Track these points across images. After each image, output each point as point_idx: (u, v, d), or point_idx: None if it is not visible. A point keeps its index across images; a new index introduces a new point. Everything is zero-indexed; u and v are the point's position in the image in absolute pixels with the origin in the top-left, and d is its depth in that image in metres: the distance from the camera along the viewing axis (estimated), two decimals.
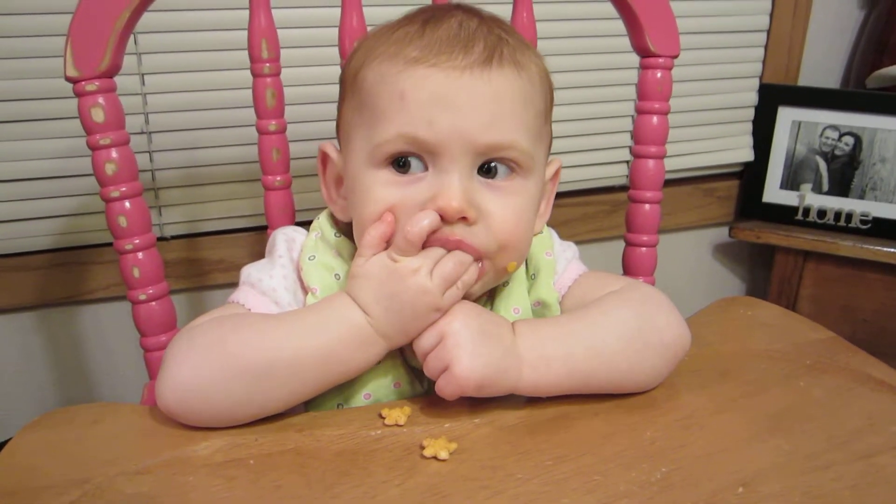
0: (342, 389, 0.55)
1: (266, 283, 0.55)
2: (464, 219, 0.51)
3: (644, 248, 0.76)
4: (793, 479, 0.47)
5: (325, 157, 0.59)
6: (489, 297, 0.59)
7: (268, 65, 0.66)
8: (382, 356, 0.52)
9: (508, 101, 0.51)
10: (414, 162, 0.51)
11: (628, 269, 0.77)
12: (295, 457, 0.48)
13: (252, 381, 0.48)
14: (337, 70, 0.61)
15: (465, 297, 0.53)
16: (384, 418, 0.51)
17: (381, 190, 0.52)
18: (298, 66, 0.94)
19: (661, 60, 0.72)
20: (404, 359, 0.56)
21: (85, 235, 0.96)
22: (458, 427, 0.51)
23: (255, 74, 0.66)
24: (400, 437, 0.50)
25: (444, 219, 0.50)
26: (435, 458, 0.47)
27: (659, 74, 0.72)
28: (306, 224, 0.61)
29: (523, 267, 0.60)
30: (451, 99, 0.50)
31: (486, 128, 0.50)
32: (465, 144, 0.50)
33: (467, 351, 0.49)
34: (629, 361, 0.53)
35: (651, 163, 0.74)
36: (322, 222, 0.59)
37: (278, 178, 0.68)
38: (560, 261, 0.61)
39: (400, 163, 0.52)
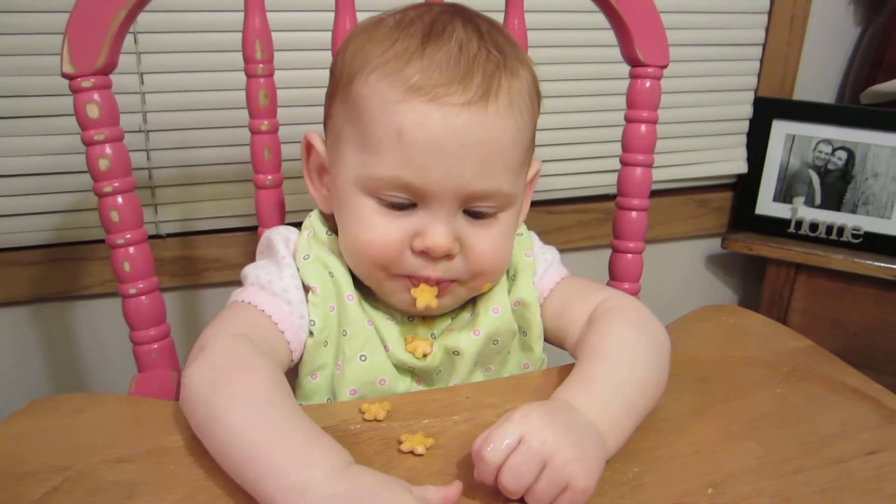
0: (330, 386, 0.57)
1: (277, 285, 0.56)
2: (447, 256, 0.54)
3: (630, 255, 0.77)
4: (763, 482, 0.48)
5: (309, 146, 0.60)
6: (471, 299, 0.60)
7: (261, 66, 0.67)
8: None
9: (499, 148, 0.53)
10: (405, 202, 0.54)
11: (615, 276, 0.78)
12: None
13: (212, 436, 0.45)
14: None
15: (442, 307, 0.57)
16: (363, 413, 0.52)
17: (371, 216, 0.55)
18: (292, 69, 0.95)
19: (649, 70, 0.73)
20: (388, 355, 0.57)
21: (80, 232, 0.97)
22: (437, 423, 0.52)
23: (248, 75, 0.67)
24: (378, 431, 0.51)
25: (429, 254, 0.54)
26: (412, 452, 0.48)
27: (648, 84, 0.73)
28: (297, 225, 0.62)
29: None
30: (446, 147, 0.51)
31: (474, 178, 0.53)
32: (454, 192, 0.53)
33: (579, 462, 0.43)
34: (660, 379, 0.54)
35: (638, 171, 0.75)
36: (314, 221, 0.61)
37: (269, 178, 0.69)
38: (540, 262, 0.62)
39: (392, 205, 0.54)
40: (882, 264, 1.19)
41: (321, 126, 0.62)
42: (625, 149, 0.75)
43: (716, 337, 0.65)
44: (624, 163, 0.75)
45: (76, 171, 0.94)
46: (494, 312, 0.59)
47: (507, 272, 0.61)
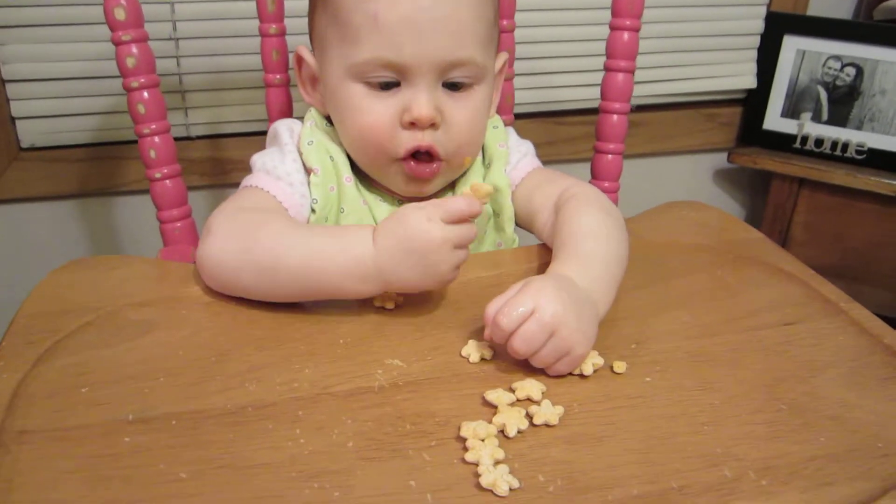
0: None
1: (281, 169, 0.64)
2: (432, 125, 0.61)
3: (610, 156, 0.83)
4: (683, 342, 0.55)
5: (300, 59, 0.67)
6: (450, 185, 0.68)
7: None
8: (375, 294, 0.56)
9: (465, 19, 0.60)
10: (389, 80, 0.60)
11: (596, 175, 0.84)
12: (274, 305, 0.57)
13: (259, 273, 0.55)
14: None
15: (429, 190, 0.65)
16: None
17: (361, 101, 0.62)
18: None
19: None
20: None
21: (120, 132, 1.07)
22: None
23: None
24: None
25: (417, 126, 0.61)
26: (382, 307, 0.57)
27: None
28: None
29: (480, 157, 0.68)
30: (418, 23, 0.58)
31: (447, 48, 0.60)
32: (430, 64, 0.60)
33: (580, 333, 0.50)
34: (627, 254, 0.61)
35: (620, 76, 0.80)
36: (314, 113, 0.68)
37: (278, 77, 0.77)
38: (514, 153, 0.69)
39: (378, 85, 0.61)
40: (884, 180, 1.22)
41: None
42: (608, 55, 0.80)
43: (673, 227, 0.72)
44: (607, 69, 0.81)
45: (114, 75, 1.02)
46: None
47: (483, 160, 0.69)
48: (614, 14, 0.79)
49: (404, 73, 0.60)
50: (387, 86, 0.61)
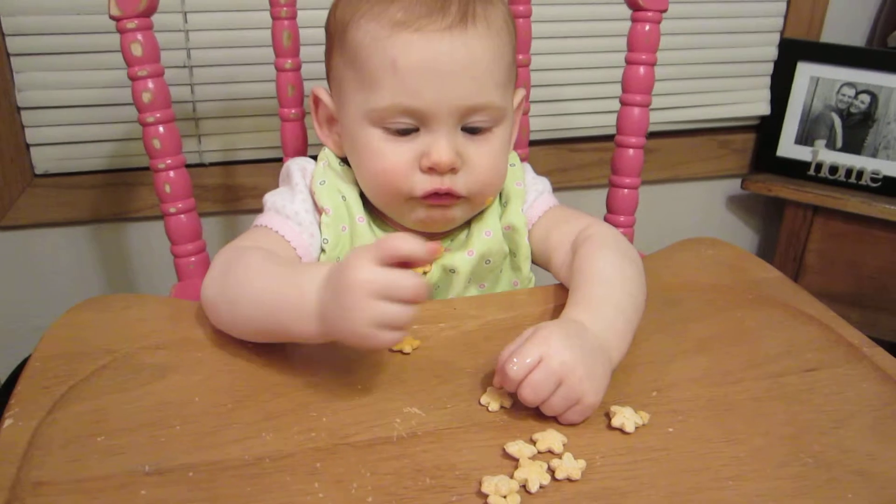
0: None
1: (289, 209, 0.64)
2: (452, 170, 0.60)
3: (626, 190, 0.82)
4: (704, 389, 0.54)
5: (317, 100, 0.67)
6: (466, 223, 0.67)
7: (285, 8, 0.73)
8: (311, 340, 0.51)
9: (483, 63, 0.60)
10: (408, 127, 0.60)
11: (612, 209, 0.84)
12: (289, 347, 0.57)
13: (228, 307, 0.56)
14: None
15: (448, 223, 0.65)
16: None
17: (379, 145, 0.62)
18: (313, 9, 1.01)
19: (649, 14, 0.77)
20: None
21: (134, 159, 1.07)
22: (425, 329, 0.60)
23: (273, 17, 0.74)
24: None
25: (436, 171, 0.60)
26: (400, 351, 0.57)
27: (647, 27, 0.77)
28: (313, 157, 0.70)
29: (496, 195, 0.68)
30: (436, 69, 0.58)
31: (466, 94, 0.60)
32: (450, 108, 0.59)
33: (590, 382, 0.49)
34: (644, 297, 0.60)
35: (636, 111, 0.80)
36: (328, 153, 0.68)
37: (293, 112, 0.77)
38: (531, 192, 0.69)
39: (398, 131, 0.61)
40: None
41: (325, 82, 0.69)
42: (624, 89, 0.80)
43: (691, 265, 0.71)
44: (623, 103, 0.80)
45: (128, 102, 1.02)
46: (487, 235, 0.66)
47: (500, 199, 0.68)
48: (630, 48, 0.79)
49: (423, 119, 0.60)
50: (406, 132, 0.61)
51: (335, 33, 0.64)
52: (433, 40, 0.58)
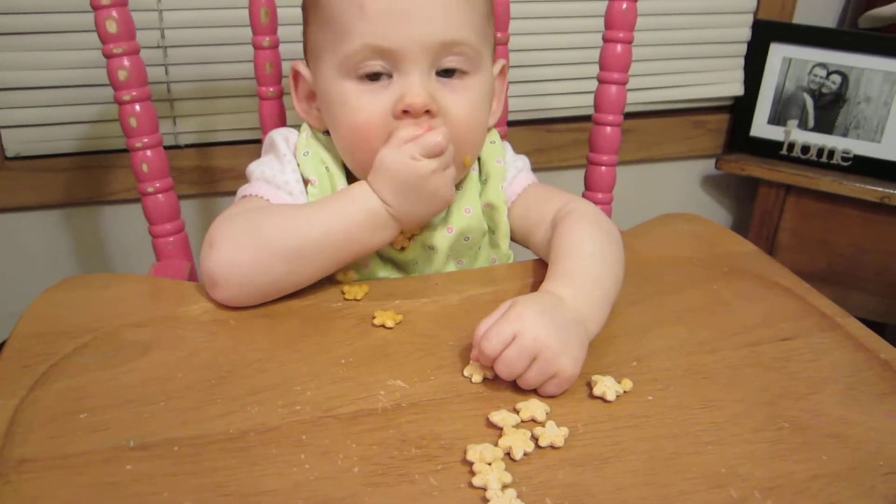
0: None
1: (280, 178, 0.64)
2: (427, 112, 0.59)
3: (604, 168, 0.83)
4: (681, 358, 0.56)
5: (296, 76, 0.67)
6: None
7: None
8: (395, 237, 0.61)
9: (456, 4, 0.59)
10: (380, 70, 0.59)
11: (589, 186, 0.85)
12: (267, 319, 0.57)
13: (287, 261, 0.57)
14: None
15: None
16: (344, 294, 0.60)
17: (355, 98, 0.60)
18: None
19: None
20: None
21: (107, 141, 1.05)
22: (407, 304, 0.60)
23: None
24: (356, 308, 0.59)
25: (411, 114, 0.59)
26: (383, 325, 0.57)
27: (624, 6, 0.78)
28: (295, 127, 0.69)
29: (476, 172, 0.68)
30: (405, 8, 0.57)
31: (437, 30, 0.58)
32: (422, 47, 0.58)
33: (566, 355, 0.50)
34: (622, 271, 0.61)
35: (614, 88, 0.80)
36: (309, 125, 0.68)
37: (271, 90, 0.76)
38: (510, 169, 0.69)
39: (369, 77, 0.59)
40: (869, 186, 1.23)
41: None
42: (602, 67, 0.80)
43: (668, 240, 0.72)
44: (601, 80, 0.81)
45: (101, 83, 1.01)
46: (466, 212, 0.66)
47: (479, 176, 0.68)
48: (608, 26, 0.79)
49: (395, 61, 0.59)
50: (377, 76, 0.59)
51: (308, 5, 0.63)
52: None
